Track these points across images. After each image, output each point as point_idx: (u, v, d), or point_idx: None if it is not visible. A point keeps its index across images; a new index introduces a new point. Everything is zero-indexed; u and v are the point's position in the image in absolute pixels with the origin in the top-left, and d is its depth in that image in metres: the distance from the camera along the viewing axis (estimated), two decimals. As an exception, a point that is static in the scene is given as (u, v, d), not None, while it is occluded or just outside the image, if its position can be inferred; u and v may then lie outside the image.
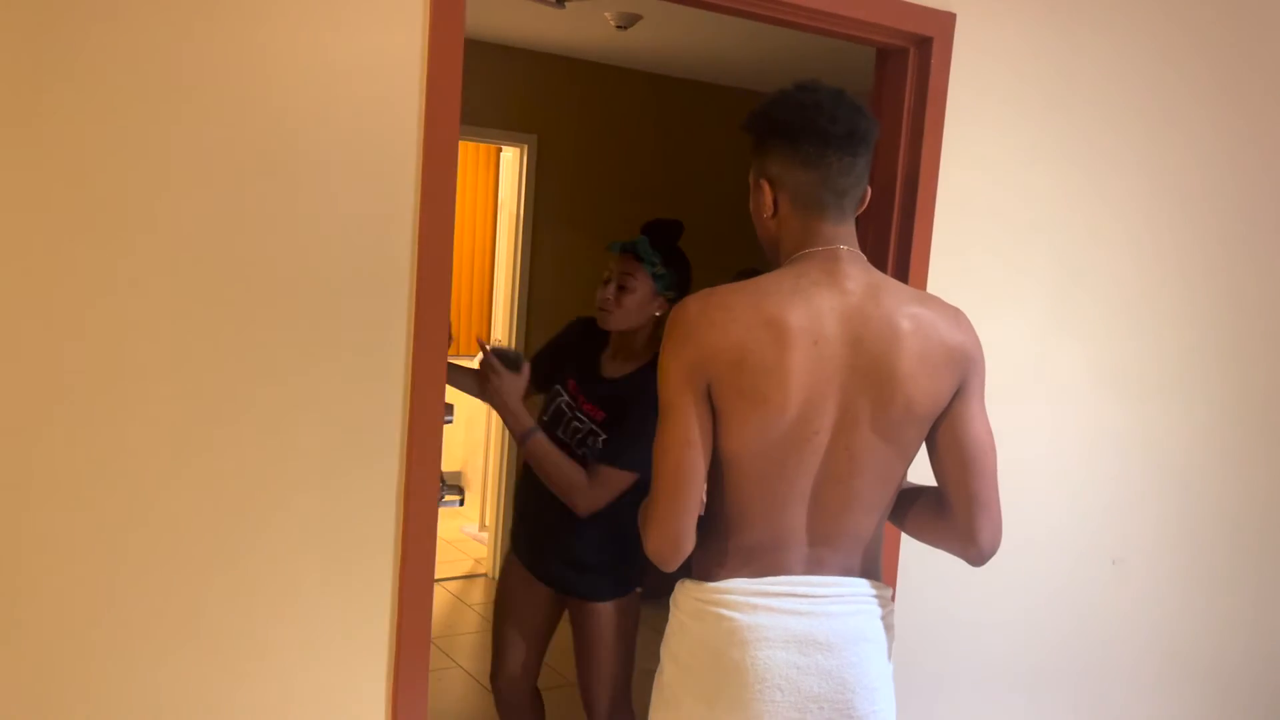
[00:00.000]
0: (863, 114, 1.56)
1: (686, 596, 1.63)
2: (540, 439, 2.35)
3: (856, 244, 1.60)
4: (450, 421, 1.87)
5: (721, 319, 1.50)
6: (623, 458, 2.31)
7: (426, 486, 1.79)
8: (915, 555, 2.39)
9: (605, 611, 2.47)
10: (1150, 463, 2.85)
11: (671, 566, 1.57)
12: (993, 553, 1.67)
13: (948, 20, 2.29)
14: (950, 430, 1.60)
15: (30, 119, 1.46)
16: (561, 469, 2.33)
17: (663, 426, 1.54)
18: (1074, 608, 2.79)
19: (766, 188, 1.59)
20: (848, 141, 1.53)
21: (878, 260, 2.32)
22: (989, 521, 1.62)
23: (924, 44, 2.29)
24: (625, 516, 2.27)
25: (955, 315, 1.60)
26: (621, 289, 2.40)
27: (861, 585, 1.63)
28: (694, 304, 1.54)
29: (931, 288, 2.33)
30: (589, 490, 2.31)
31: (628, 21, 4.10)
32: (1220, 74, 2.77)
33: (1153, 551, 2.90)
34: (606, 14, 4.06)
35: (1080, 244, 2.62)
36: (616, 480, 2.31)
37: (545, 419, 2.49)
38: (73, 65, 1.48)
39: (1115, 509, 2.81)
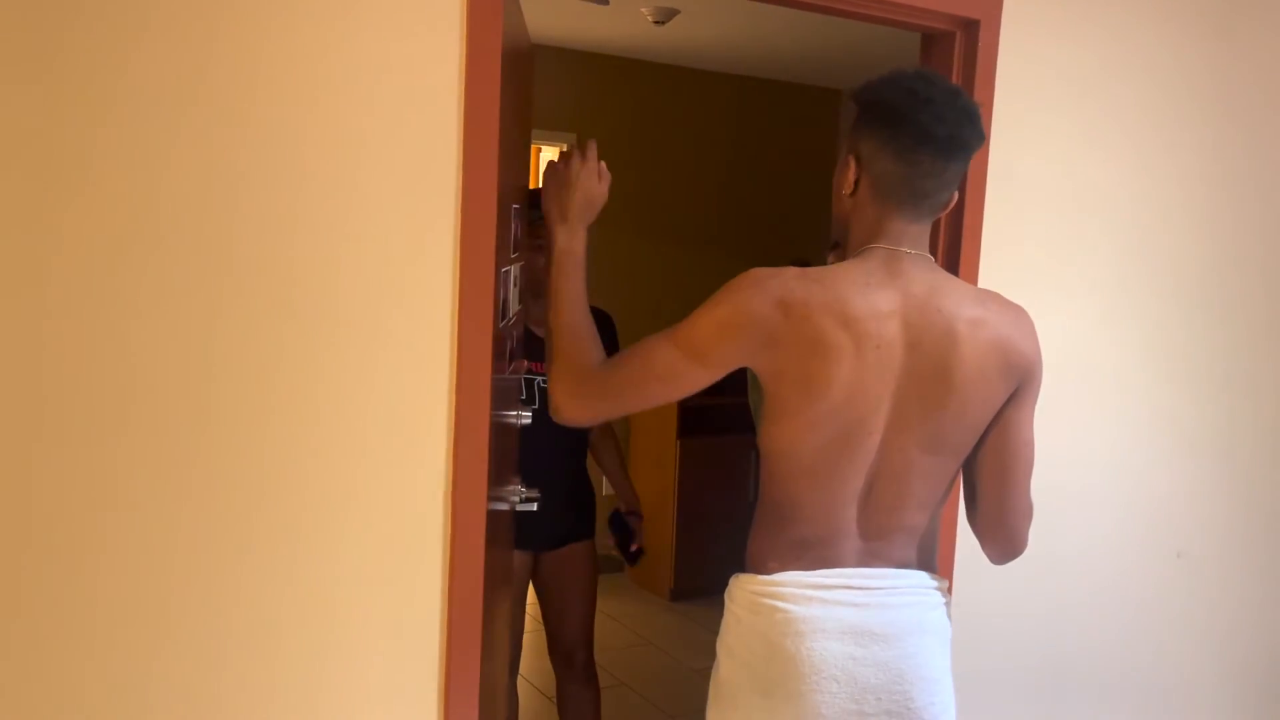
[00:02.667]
0: (972, 121, 1.50)
1: (741, 590, 1.63)
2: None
3: (927, 244, 1.56)
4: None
5: (799, 313, 1.47)
6: None
7: (473, 486, 1.79)
8: (972, 549, 2.35)
9: (588, 550, 2.80)
10: (1213, 456, 2.78)
11: (573, 421, 1.61)
12: (1009, 558, 1.68)
13: (994, 3, 2.24)
14: (995, 435, 1.60)
15: (48, 124, 1.47)
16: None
17: (670, 347, 1.52)
18: (1134, 602, 2.73)
19: (853, 164, 1.54)
20: (946, 145, 1.49)
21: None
22: (1008, 530, 1.64)
23: (970, 27, 2.24)
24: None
25: (1017, 318, 1.57)
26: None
27: (918, 577, 1.62)
28: (773, 285, 1.48)
29: (984, 279, 2.29)
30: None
31: (665, 16, 4.08)
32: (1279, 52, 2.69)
33: (1215, 546, 2.83)
34: (643, 9, 4.04)
35: (1139, 231, 2.55)
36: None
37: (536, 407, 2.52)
38: (98, 69, 1.49)
39: (1178, 503, 2.75)
